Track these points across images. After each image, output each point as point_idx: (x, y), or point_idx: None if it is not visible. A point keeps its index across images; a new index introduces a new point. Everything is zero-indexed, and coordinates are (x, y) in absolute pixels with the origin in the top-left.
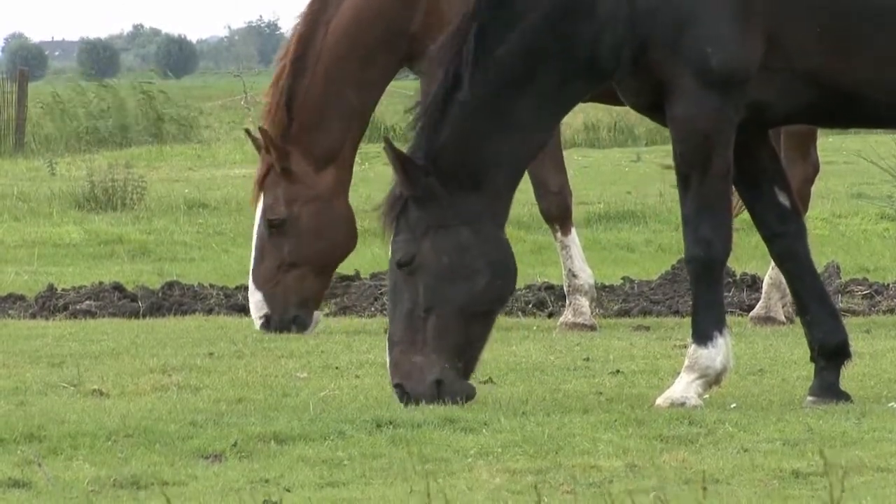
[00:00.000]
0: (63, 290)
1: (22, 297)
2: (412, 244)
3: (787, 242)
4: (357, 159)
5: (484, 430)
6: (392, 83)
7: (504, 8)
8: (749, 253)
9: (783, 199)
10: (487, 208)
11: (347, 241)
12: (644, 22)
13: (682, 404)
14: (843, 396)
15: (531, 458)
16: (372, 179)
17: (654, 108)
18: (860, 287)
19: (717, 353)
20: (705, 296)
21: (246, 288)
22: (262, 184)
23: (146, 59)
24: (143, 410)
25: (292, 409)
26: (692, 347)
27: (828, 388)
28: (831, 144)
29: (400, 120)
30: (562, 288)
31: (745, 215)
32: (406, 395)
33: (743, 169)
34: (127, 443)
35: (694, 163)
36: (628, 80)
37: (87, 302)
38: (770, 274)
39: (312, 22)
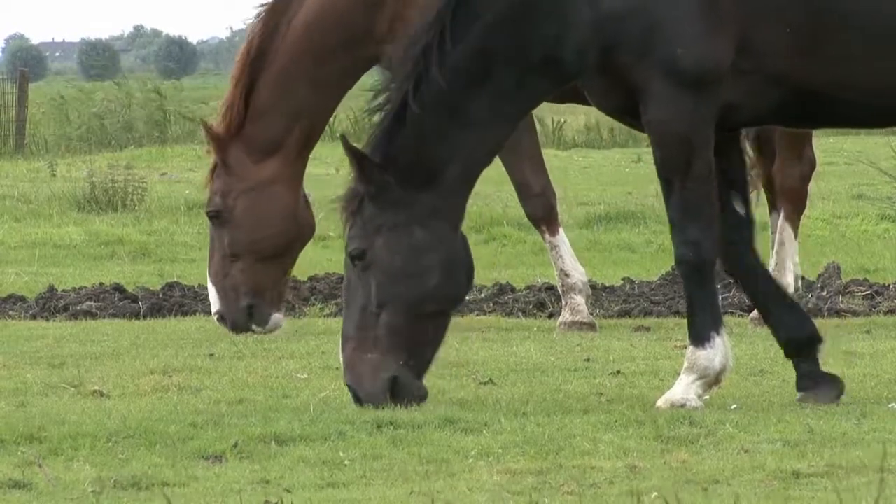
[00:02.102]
0: (63, 290)
1: (22, 298)
2: (364, 240)
3: (740, 251)
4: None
5: (484, 431)
6: None
7: (463, 7)
8: None
9: (739, 207)
10: (442, 207)
11: (284, 230)
12: (610, 25)
13: (683, 406)
14: (830, 379)
15: (532, 459)
16: None
17: (624, 110)
18: (861, 288)
19: (716, 353)
20: (699, 297)
21: None
22: (211, 177)
23: (146, 59)
24: (143, 411)
25: (293, 409)
26: (690, 349)
27: (812, 377)
28: (832, 146)
29: None
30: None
31: None
32: (359, 397)
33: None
34: (127, 444)
35: (675, 166)
36: (595, 81)
37: (88, 303)
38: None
39: (275, 21)
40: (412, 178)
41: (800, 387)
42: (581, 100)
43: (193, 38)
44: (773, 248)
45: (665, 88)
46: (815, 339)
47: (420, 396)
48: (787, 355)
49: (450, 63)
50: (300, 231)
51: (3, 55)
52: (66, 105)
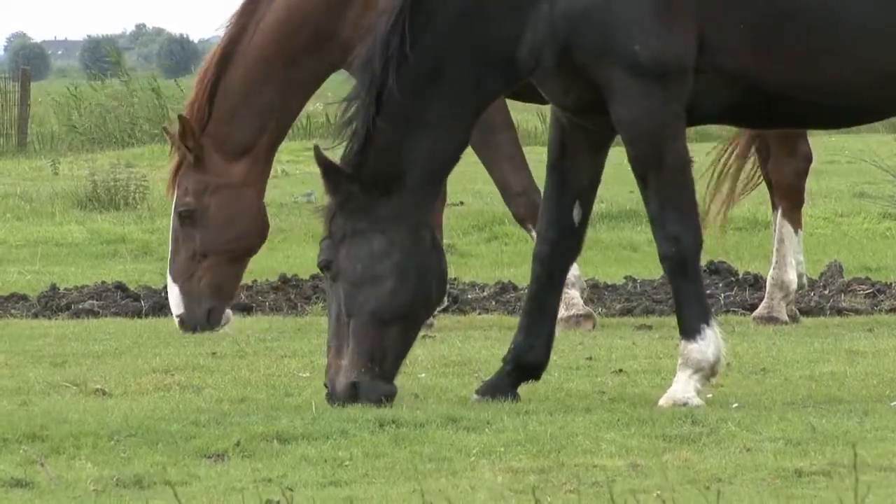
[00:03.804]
0: (66, 289)
1: (25, 297)
2: (331, 250)
3: (553, 251)
4: None
5: (486, 430)
6: None
7: (418, 8)
8: (751, 252)
9: (576, 214)
10: (405, 212)
11: (255, 231)
12: (567, 24)
13: (685, 404)
14: (510, 395)
15: (534, 458)
16: None
17: (585, 106)
18: (862, 286)
19: (707, 344)
20: (685, 291)
21: (248, 287)
22: (175, 177)
23: (148, 58)
24: (145, 410)
25: (295, 408)
26: (682, 344)
27: (497, 387)
28: (833, 144)
29: None
30: None
31: (746, 213)
32: (330, 396)
33: (566, 168)
34: (129, 442)
35: (648, 162)
36: (552, 79)
37: (90, 301)
38: (772, 274)
39: (244, 22)
40: (375, 185)
41: (481, 388)
42: None
43: (195, 37)
44: (774, 246)
45: (629, 86)
46: (534, 372)
47: (387, 396)
48: (505, 359)
49: (407, 68)
50: (264, 234)
51: (6, 53)
52: (69, 103)
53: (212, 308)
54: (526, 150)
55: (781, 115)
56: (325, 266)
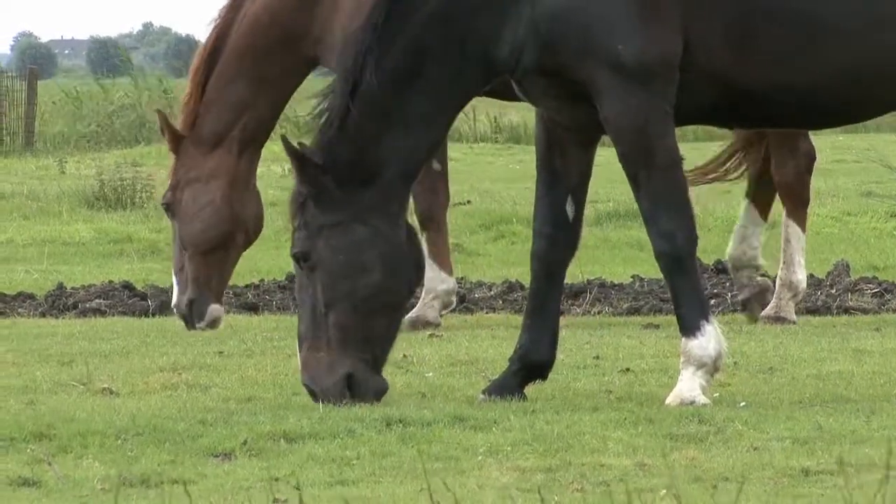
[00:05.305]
0: (73, 288)
1: (32, 296)
2: (308, 241)
3: (551, 247)
4: None
5: (493, 429)
6: None
7: (396, 5)
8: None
9: (569, 209)
10: (382, 204)
11: (222, 223)
12: (549, 25)
13: (692, 402)
14: (517, 394)
15: (541, 457)
16: None
17: (562, 105)
18: (870, 285)
19: (707, 340)
20: (682, 288)
21: (255, 286)
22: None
23: (155, 57)
24: (152, 409)
25: (302, 407)
26: (682, 341)
27: (505, 386)
28: (841, 143)
29: None
30: (569, 287)
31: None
32: (315, 393)
33: (555, 166)
34: (136, 441)
35: (637, 160)
36: (531, 78)
37: (97, 300)
38: (780, 274)
39: (230, 17)
40: (351, 178)
41: (488, 388)
42: None
43: (201, 37)
44: (781, 246)
45: (614, 85)
46: (540, 371)
47: (378, 391)
48: (511, 359)
49: (385, 63)
50: (237, 226)
51: (13, 53)
52: (76, 102)
53: (193, 300)
54: (523, 149)
55: (765, 115)
56: (302, 257)
